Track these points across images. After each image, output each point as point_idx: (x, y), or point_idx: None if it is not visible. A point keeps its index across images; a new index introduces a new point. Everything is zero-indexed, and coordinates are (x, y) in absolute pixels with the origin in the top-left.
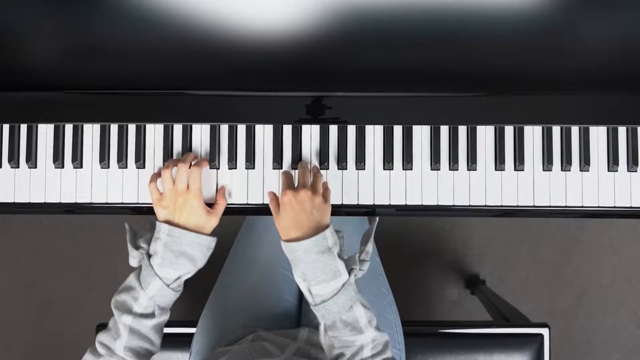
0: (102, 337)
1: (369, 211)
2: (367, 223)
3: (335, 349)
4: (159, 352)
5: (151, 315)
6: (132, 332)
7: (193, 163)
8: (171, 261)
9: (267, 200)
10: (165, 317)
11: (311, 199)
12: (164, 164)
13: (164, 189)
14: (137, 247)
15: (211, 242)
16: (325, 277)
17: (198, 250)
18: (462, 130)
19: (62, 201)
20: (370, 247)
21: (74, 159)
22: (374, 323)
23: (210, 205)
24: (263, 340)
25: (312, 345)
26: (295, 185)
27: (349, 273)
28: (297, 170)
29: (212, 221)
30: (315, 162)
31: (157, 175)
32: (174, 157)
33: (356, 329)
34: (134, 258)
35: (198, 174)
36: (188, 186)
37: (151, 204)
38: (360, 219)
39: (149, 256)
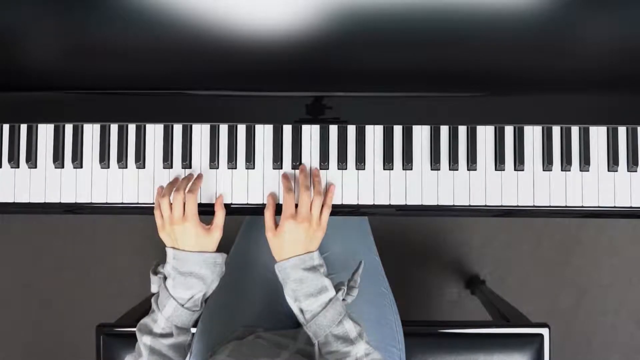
0: (129, 357)
1: (368, 211)
2: (367, 223)
3: None
4: None
5: (169, 335)
6: (152, 351)
7: (188, 187)
8: (181, 282)
9: (266, 206)
10: (185, 338)
11: (309, 229)
12: (164, 164)
13: (164, 218)
14: (156, 273)
15: (217, 258)
16: (312, 291)
17: (205, 268)
18: (462, 130)
19: (62, 201)
20: (359, 278)
21: (74, 159)
22: (364, 337)
23: (209, 209)
24: (263, 341)
25: (312, 346)
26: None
27: (337, 292)
28: (297, 171)
29: (214, 237)
30: (315, 162)
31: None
32: (174, 157)
33: (348, 340)
34: (154, 284)
35: (193, 200)
36: (184, 212)
37: (151, 203)
38: (360, 219)
39: (165, 279)
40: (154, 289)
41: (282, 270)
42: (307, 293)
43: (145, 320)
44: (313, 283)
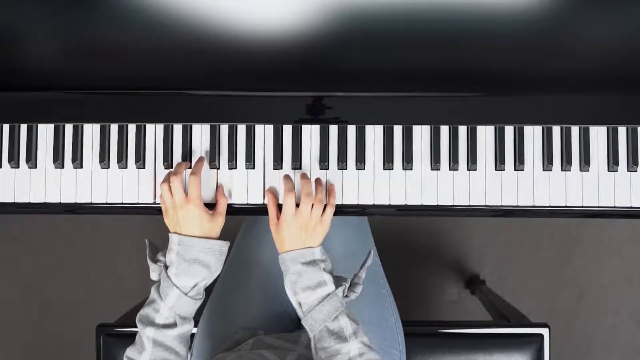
0: (129, 351)
1: (369, 211)
2: (367, 223)
3: None
4: None
5: (173, 325)
6: (156, 344)
7: (191, 170)
8: (185, 269)
9: (267, 201)
10: (189, 327)
11: (308, 228)
12: (164, 164)
13: (167, 204)
14: (155, 261)
15: (223, 246)
16: (310, 284)
17: (210, 256)
18: (462, 130)
19: (62, 201)
20: (364, 274)
21: (74, 159)
22: (360, 336)
23: (211, 206)
24: (264, 346)
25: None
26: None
27: (337, 287)
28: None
29: (218, 222)
30: (315, 162)
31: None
32: (174, 157)
33: (341, 337)
34: (154, 272)
35: (196, 182)
36: (187, 194)
37: (151, 203)
38: (360, 219)
39: (166, 268)
40: (153, 276)
41: (282, 262)
42: (304, 286)
43: (146, 310)
44: (311, 277)
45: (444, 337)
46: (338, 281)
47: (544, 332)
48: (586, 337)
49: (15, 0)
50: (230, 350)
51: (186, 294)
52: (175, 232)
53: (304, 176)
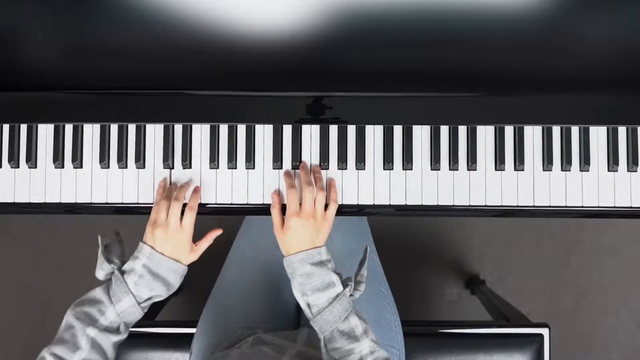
0: (56, 349)
1: (369, 211)
2: (366, 222)
3: None
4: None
5: (116, 331)
6: (94, 345)
7: (188, 203)
8: (147, 282)
9: (267, 200)
10: (124, 337)
11: (314, 224)
12: (164, 164)
13: (159, 220)
14: (110, 261)
15: (185, 271)
16: (319, 286)
17: (173, 277)
18: (462, 130)
19: (62, 201)
20: (365, 271)
21: (74, 159)
22: (370, 335)
23: (205, 209)
24: (263, 344)
25: (311, 347)
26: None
27: (345, 288)
28: (299, 173)
29: (192, 258)
30: (315, 162)
31: (162, 194)
32: (174, 157)
33: (353, 337)
34: (103, 271)
35: (192, 216)
36: (182, 222)
37: (151, 203)
38: (359, 219)
39: (122, 272)
40: (99, 275)
41: (289, 265)
42: (314, 287)
43: (88, 309)
44: (320, 278)
45: (444, 337)
46: (343, 280)
47: (544, 332)
48: (586, 337)
49: (15, 0)
50: (229, 349)
51: (139, 304)
52: (150, 245)
53: (303, 167)
